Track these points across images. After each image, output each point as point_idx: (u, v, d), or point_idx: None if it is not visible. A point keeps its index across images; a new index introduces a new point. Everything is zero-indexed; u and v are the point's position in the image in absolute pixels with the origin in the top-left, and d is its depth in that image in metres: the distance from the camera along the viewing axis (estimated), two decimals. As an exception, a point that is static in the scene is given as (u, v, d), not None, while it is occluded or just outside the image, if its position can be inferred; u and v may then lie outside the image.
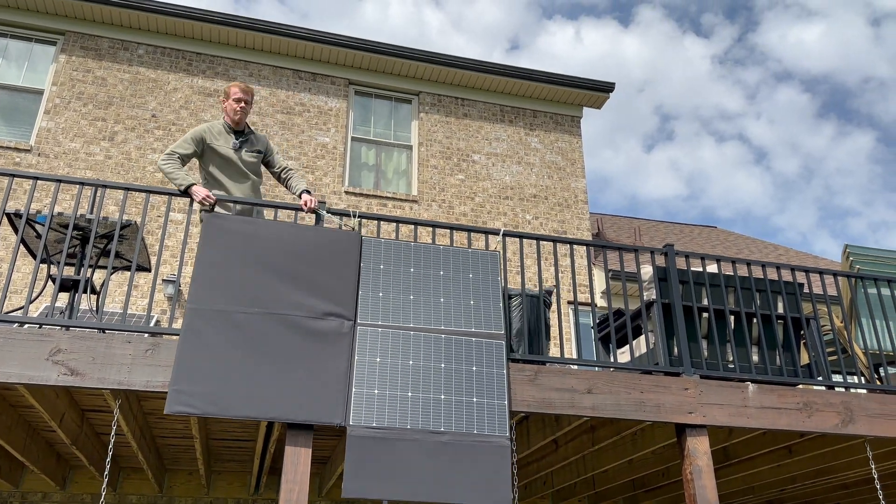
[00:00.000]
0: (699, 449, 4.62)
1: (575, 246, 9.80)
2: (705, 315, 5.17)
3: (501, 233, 4.91)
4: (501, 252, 4.75)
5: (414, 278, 4.41)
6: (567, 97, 10.88)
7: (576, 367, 5.60)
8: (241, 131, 5.20)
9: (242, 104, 5.09)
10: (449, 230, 4.81)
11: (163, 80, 9.58)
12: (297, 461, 3.92)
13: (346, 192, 9.53)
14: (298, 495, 3.85)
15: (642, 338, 5.34)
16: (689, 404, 4.70)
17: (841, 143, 56.74)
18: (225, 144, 5.10)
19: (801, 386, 5.29)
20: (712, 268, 5.29)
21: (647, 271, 5.14)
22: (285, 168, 5.34)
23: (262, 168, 5.73)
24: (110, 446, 3.83)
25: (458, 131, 10.43)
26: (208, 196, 4.59)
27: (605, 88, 10.67)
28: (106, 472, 3.92)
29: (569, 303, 9.37)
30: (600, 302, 9.53)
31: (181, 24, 9.64)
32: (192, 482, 7.08)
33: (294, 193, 5.14)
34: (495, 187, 10.14)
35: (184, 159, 4.92)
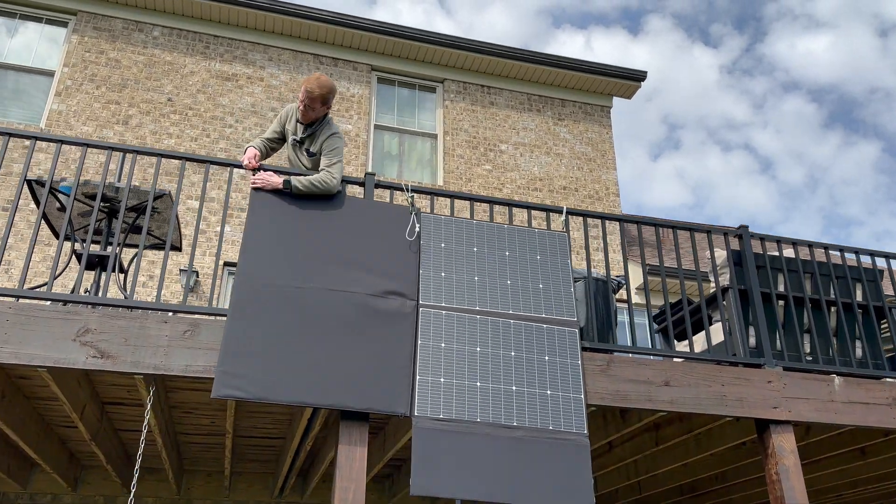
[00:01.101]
0: (785, 447, 4.20)
1: (609, 239, 9.38)
2: (781, 303, 4.76)
3: (565, 211, 4.50)
4: (567, 232, 4.33)
5: (478, 258, 4.00)
6: (597, 86, 10.48)
7: (651, 357, 5.17)
8: (309, 124, 4.48)
9: (303, 106, 4.31)
10: (507, 207, 4.39)
11: (179, 62, 9.16)
12: (353, 457, 3.49)
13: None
14: (355, 494, 3.43)
15: (712, 328, 4.92)
16: (773, 398, 4.28)
17: (846, 152, 56.52)
18: (291, 134, 4.51)
19: (887, 379, 4.87)
20: (787, 252, 4.88)
21: (720, 254, 4.72)
22: (322, 169, 4.43)
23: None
24: (142, 438, 3.40)
25: (484, 120, 10.03)
26: (251, 160, 4.11)
27: (637, 77, 10.27)
28: (136, 469, 3.48)
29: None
30: (635, 298, 9.12)
31: (198, 4, 9.23)
32: (211, 484, 6.64)
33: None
34: (523, 178, 9.73)
35: (268, 144, 4.44)
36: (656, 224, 4.68)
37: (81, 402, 4.21)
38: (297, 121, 4.47)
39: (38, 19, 9.02)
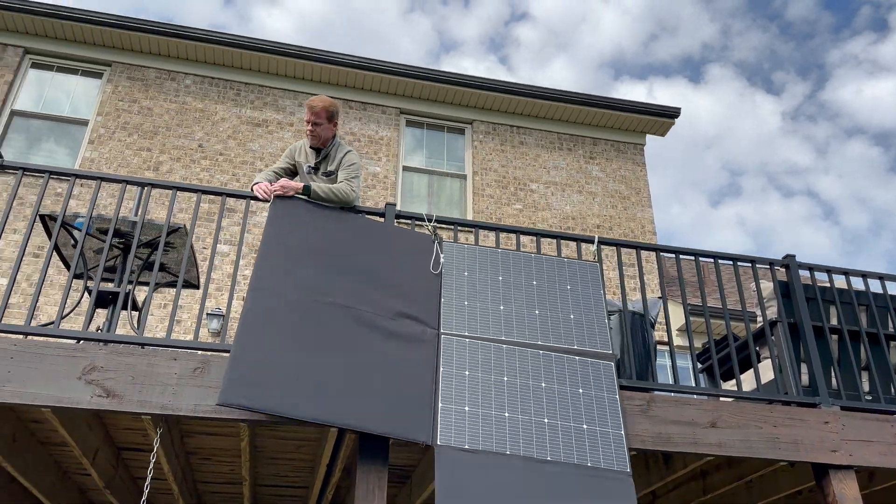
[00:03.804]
0: (847, 495, 3.81)
1: (646, 277, 9.06)
2: (835, 337, 4.41)
3: (596, 240, 4.26)
4: (599, 263, 4.09)
5: (504, 287, 3.77)
6: (629, 124, 10.29)
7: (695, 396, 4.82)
8: (320, 149, 4.45)
9: (310, 126, 4.27)
10: (535, 237, 4.19)
11: (210, 110, 9.25)
12: (370, 487, 3.22)
13: (401, 223, 8.98)
14: (373, 546, 3.15)
15: (761, 365, 4.58)
16: (831, 440, 3.91)
17: (912, 196, 55.13)
18: (304, 163, 4.48)
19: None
20: (838, 283, 4.56)
21: (766, 286, 4.41)
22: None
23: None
24: (147, 483, 3.19)
25: (514, 159, 9.88)
26: (266, 191, 3.97)
27: (671, 114, 10.07)
28: (144, 516, 3.26)
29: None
30: (677, 340, 8.72)
31: (229, 52, 9.36)
32: (234, 536, 6.36)
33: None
34: (555, 217, 9.51)
35: (278, 173, 4.40)
36: (696, 254, 4.40)
37: (93, 446, 4.04)
38: (308, 149, 4.42)
39: (74, 71, 9.22)
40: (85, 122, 8.87)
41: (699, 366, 5.14)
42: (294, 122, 9.44)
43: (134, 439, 4.37)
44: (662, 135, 10.44)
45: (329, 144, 4.36)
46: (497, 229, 4.18)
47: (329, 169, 4.33)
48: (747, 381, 4.67)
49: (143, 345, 3.48)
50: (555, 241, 4.19)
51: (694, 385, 4.04)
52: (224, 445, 4.45)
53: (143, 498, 3.10)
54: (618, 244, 4.33)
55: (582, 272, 4.00)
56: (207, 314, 7.82)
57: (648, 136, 10.55)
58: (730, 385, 4.92)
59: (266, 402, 2.99)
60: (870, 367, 4.27)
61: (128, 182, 3.76)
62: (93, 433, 4.00)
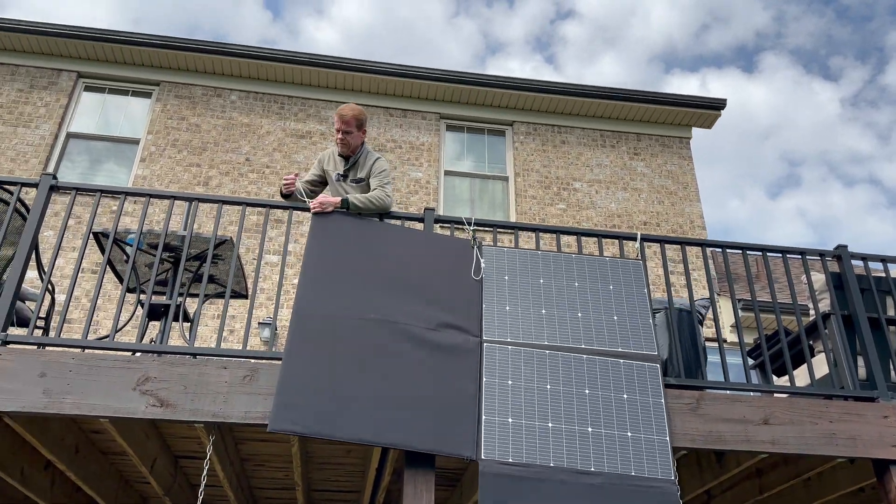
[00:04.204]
0: (911, 493, 3.67)
1: (697, 273, 8.89)
2: (892, 328, 4.26)
3: (639, 237, 4.21)
4: (642, 261, 4.04)
5: (545, 291, 3.76)
6: (673, 117, 10.13)
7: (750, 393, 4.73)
8: (348, 157, 4.57)
9: (340, 135, 4.39)
10: (576, 236, 4.16)
11: (256, 124, 9.46)
12: (418, 490, 3.25)
13: (441, 227, 9.02)
14: (423, 550, 3.18)
15: (815, 360, 4.45)
16: (891, 435, 3.78)
17: (983, 178, 52.80)
18: (333, 171, 4.62)
19: None
20: (894, 272, 4.39)
21: (818, 278, 4.29)
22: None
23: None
24: (200, 490, 3.29)
25: (556, 159, 9.83)
26: (289, 182, 4.28)
27: (716, 106, 9.87)
28: (200, 523, 3.36)
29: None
30: (730, 337, 8.54)
31: (272, 67, 9.56)
32: (291, 540, 6.48)
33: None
34: (600, 216, 9.41)
35: (311, 183, 4.57)
36: (743, 247, 4.31)
37: (151, 455, 4.17)
38: (337, 157, 4.53)
39: (124, 92, 9.55)
40: (136, 141, 9.18)
41: (751, 362, 5.03)
42: (336, 132, 9.58)
43: (190, 447, 4.50)
44: (709, 127, 10.24)
45: (358, 152, 4.45)
46: (537, 230, 4.17)
47: (359, 176, 4.41)
48: (801, 376, 4.55)
49: (194, 355, 3.58)
50: (598, 240, 4.17)
51: (746, 382, 3.96)
52: (276, 451, 4.54)
53: (199, 502, 3.19)
54: (662, 240, 4.27)
55: (625, 271, 3.96)
56: (259, 323, 7.99)
57: (699, 130, 10.37)
58: (783, 382, 4.80)
59: (312, 427, 3.10)
60: (932, 359, 4.11)
61: (175, 197, 3.88)
62: (150, 442, 4.14)
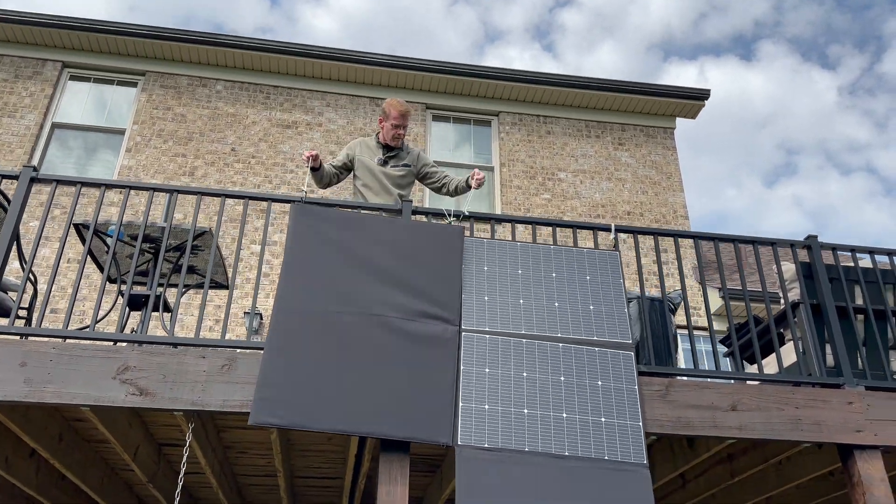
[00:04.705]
0: (874, 475, 3.78)
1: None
2: (860, 317, 4.37)
3: (613, 228, 4.30)
4: (618, 251, 4.12)
5: (523, 281, 3.84)
6: (657, 108, 10.21)
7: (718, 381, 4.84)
8: (388, 146, 5.05)
9: (400, 131, 4.95)
10: (551, 227, 4.23)
11: (241, 114, 9.48)
12: (394, 494, 3.34)
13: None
14: (397, 533, 3.27)
15: (784, 349, 4.56)
16: (855, 421, 3.89)
17: (979, 167, 53.14)
18: (371, 158, 4.98)
19: None
20: (863, 263, 4.50)
21: (788, 267, 4.39)
22: (445, 175, 5.14)
23: (418, 184, 5.96)
24: (180, 476, 3.37)
25: (541, 149, 9.89)
26: (312, 156, 4.61)
27: (699, 96, 9.95)
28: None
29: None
30: (716, 325, 8.65)
31: (258, 57, 9.57)
32: (277, 527, 6.57)
33: (464, 186, 5.00)
34: (585, 206, 9.50)
35: (334, 167, 5.00)
36: (714, 238, 4.40)
37: (134, 443, 4.24)
38: (373, 145, 5.02)
39: (109, 81, 9.54)
40: (122, 131, 9.18)
41: (722, 350, 5.13)
42: (323, 123, 9.60)
43: (172, 435, 4.57)
44: (693, 117, 10.32)
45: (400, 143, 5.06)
46: (513, 221, 4.24)
47: (404, 163, 5.01)
48: (771, 364, 4.65)
49: (174, 344, 3.65)
50: (573, 231, 4.25)
51: (715, 369, 4.05)
52: (257, 439, 4.62)
53: (178, 489, 3.26)
54: (635, 231, 4.36)
55: (601, 261, 4.05)
56: (244, 313, 8.05)
57: (694, 121, 10.46)
58: (753, 369, 4.90)
59: (291, 419, 3.21)
60: (897, 347, 4.22)
61: (155, 189, 3.93)
62: (133, 430, 4.20)
